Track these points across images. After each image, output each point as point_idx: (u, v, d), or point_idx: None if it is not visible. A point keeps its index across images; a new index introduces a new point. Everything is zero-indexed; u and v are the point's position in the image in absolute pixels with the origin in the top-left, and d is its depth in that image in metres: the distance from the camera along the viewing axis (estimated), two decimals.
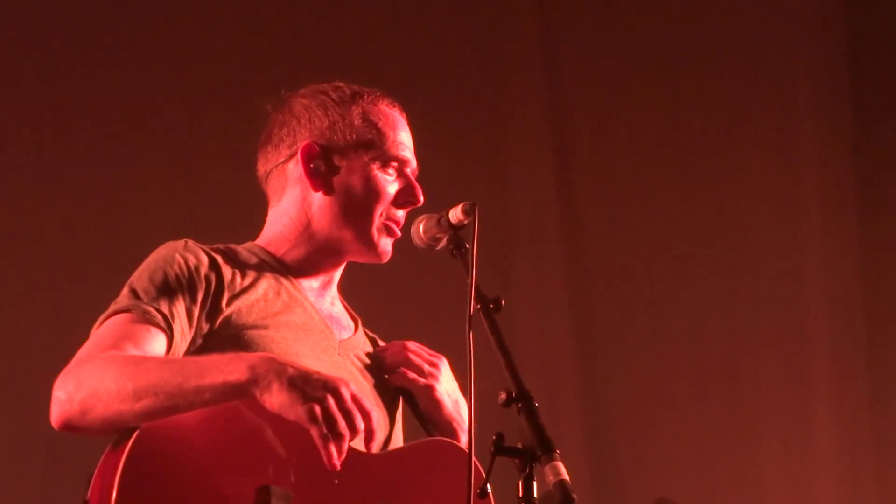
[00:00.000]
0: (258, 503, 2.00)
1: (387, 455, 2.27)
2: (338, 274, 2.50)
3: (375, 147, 2.41)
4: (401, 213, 2.43)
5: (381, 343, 2.54)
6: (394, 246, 2.45)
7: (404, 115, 2.50)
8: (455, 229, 2.23)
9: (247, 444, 2.06)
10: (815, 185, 5.89)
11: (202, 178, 4.45)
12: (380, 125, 2.43)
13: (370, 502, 2.13)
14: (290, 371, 1.98)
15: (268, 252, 2.43)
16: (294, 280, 2.41)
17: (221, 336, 2.21)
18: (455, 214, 2.22)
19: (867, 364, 5.76)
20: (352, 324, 2.52)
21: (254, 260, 2.39)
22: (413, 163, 2.46)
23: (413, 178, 2.45)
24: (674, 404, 5.45)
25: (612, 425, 5.30)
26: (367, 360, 2.45)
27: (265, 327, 2.25)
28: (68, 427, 2.05)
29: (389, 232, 2.42)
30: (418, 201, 2.43)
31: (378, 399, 2.37)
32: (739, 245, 5.66)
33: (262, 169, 2.51)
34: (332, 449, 1.95)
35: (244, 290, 2.28)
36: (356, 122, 2.42)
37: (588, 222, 5.46)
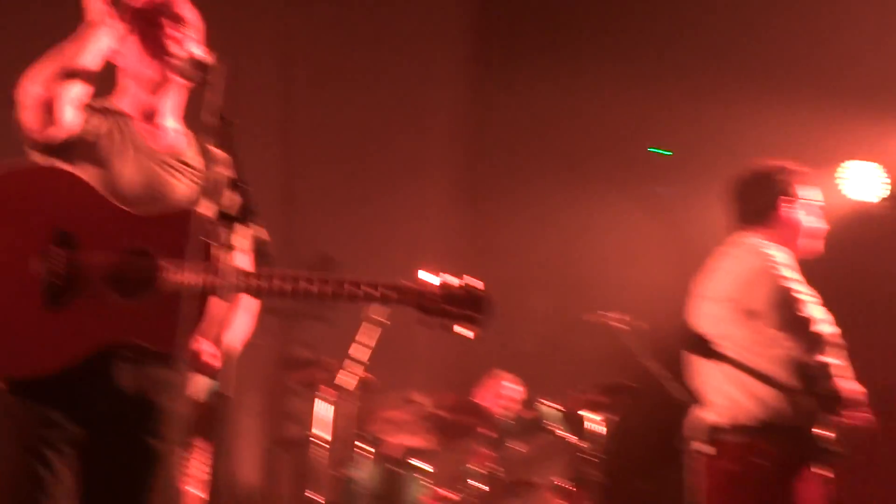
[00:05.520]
0: (53, 237, 2.94)
1: (149, 215, 3.04)
2: None
3: None
4: None
5: None
6: None
7: None
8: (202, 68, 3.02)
9: (49, 199, 3.02)
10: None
11: None
12: None
13: (126, 245, 2.97)
14: None
15: None
16: None
17: None
18: (202, 56, 3.05)
19: None
20: None
21: None
22: None
23: None
24: (343, 183, 8.75)
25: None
26: None
27: None
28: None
29: None
30: None
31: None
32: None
33: None
34: None
35: None
36: None
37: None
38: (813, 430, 4.23)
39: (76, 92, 3.01)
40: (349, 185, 8.86)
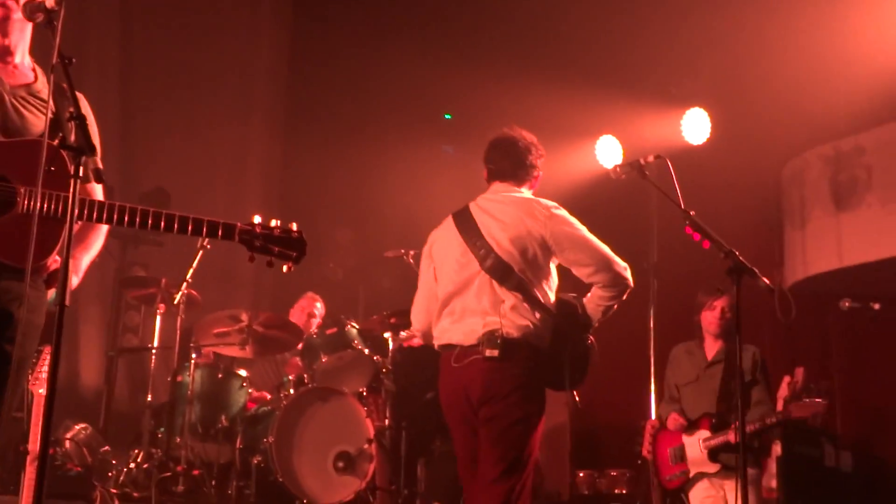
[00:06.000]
0: None
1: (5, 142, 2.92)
2: None
3: None
4: None
5: None
6: None
7: None
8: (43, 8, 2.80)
9: None
10: None
11: None
12: None
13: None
14: None
15: None
16: None
17: None
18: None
19: None
20: None
21: None
22: None
23: None
24: (176, 123, 8.48)
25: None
26: None
27: None
28: None
29: None
30: None
31: None
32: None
33: None
34: None
35: None
36: None
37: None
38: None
39: None
40: (181, 123, 8.68)
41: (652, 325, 7.67)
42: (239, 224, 3.09)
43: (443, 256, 4.38)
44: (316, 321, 7.25)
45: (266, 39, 9.43)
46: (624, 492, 7.17)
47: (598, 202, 7.58)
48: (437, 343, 4.33)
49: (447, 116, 9.13)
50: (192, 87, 8.65)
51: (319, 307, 7.31)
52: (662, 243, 8.01)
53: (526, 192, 4.40)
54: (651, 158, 4.39)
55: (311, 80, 9.39)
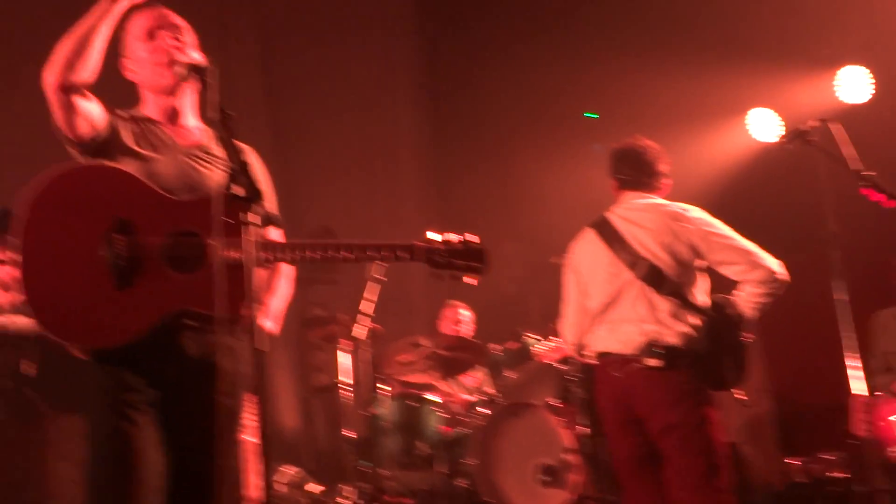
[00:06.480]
0: (114, 225, 2.89)
1: (189, 200, 3.02)
2: None
3: None
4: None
5: None
6: None
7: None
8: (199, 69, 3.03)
9: (107, 192, 2.95)
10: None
11: None
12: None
13: (175, 228, 2.94)
14: None
15: None
16: None
17: None
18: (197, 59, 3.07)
19: None
20: None
21: None
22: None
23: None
24: (328, 162, 8.60)
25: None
26: None
27: None
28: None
29: None
30: None
31: None
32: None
33: None
34: None
35: None
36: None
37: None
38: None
39: (88, 74, 2.96)
40: (334, 163, 8.88)
41: (847, 297, 7.33)
42: (420, 242, 3.08)
43: (590, 268, 4.43)
44: (466, 327, 7.21)
45: (404, 62, 9.52)
46: (840, 475, 6.87)
47: (762, 178, 7.35)
48: (593, 351, 4.38)
49: (593, 115, 9.02)
50: (338, 125, 8.79)
51: (465, 313, 7.26)
52: (840, 211, 7.68)
53: (660, 200, 4.44)
54: (814, 123, 4.27)
55: (453, 99, 9.43)
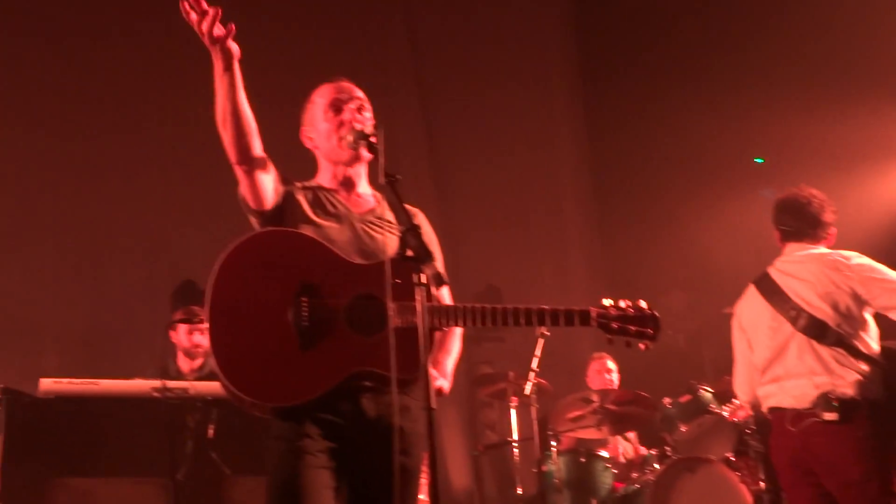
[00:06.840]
0: (300, 288, 2.99)
1: (368, 264, 3.11)
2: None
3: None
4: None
5: None
6: None
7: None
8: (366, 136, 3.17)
9: (292, 257, 3.05)
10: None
11: None
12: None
13: (356, 291, 3.03)
14: None
15: None
16: None
17: None
18: (368, 130, 3.20)
19: None
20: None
21: None
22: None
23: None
24: (491, 222, 8.79)
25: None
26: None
27: None
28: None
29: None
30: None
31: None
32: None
33: None
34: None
35: None
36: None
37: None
38: None
39: (256, 142, 3.07)
40: (495, 217, 8.92)
41: None
42: (594, 309, 3.14)
43: (754, 325, 4.43)
44: (613, 377, 7.08)
45: (563, 113, 9.56)
46: None
47: None
48: (765, 407, 4.36)
49: (760, 160, 8.83)
50: (500, 179, 8.90)
51: (610, 364, 7.13)
52: None
53: (823, 250, 4.36)
54: None
55: (614, 148, 9.38)
